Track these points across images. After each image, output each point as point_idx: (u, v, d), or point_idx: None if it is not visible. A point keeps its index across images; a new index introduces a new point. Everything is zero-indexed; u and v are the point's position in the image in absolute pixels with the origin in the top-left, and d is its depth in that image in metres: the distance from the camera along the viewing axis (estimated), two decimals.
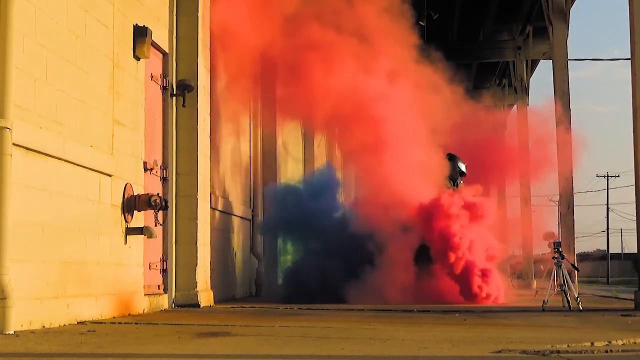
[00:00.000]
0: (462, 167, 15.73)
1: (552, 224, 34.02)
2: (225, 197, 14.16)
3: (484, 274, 13.34)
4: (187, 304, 10.48)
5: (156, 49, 10.23)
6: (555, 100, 18.08)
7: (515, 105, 27.20)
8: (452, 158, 15.60)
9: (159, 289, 10.14)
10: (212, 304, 11.10)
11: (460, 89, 15.35)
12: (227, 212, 14.12)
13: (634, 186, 11.32)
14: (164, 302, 10.18)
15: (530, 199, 24.58)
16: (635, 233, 11.62)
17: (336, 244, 13.75)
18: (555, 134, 17.93)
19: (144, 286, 9.50)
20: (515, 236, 26.61)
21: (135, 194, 9.16)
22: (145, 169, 9.74)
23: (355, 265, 13.28)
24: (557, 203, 19.94)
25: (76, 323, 7.54)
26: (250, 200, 16.15)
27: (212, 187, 11.79)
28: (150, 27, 9.46)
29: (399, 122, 14.33)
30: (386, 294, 12.87)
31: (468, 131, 18.66)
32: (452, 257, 13.24)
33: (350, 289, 12.99)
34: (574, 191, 17.76)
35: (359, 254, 13.38)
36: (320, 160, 21.85)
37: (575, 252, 17.62)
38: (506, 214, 28.45)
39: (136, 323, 7.80)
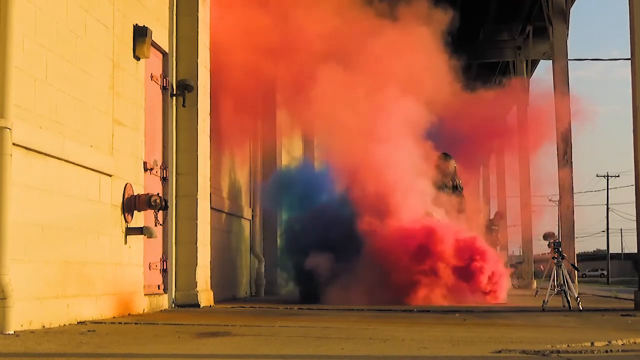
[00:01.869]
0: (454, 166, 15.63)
1: (552, 223, 34.17)
2: (226, 197, 14.17)
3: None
4: (187, 304, 10.47)
5: (156, 49, 10.23)
6: (555, 100, 18.07)
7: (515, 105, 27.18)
8: (447, 157, 15.54)
9: (159, 289, 10.14)
10: (212, 304, 11.10)
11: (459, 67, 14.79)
12: (227, 212, 14.12)
13: (634, 186, 11.31)
14: (164, 302, 10.17)
15: (530, 198, 24.58)
16: (635, 233, 11.61)
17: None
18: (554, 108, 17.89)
19: (144, 286, 9.50)
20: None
21: (135, 194, 9.16)
22: (145, 169, 9.73)
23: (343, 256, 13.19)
24: (557, 203, 19.95)
25: (76, 323, 7.54)
26: (251, 200, 16.16)
27: (212, 187, 11.79)
28: (150, 27, 9.46)
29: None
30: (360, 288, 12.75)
31: (469, 107, 18.62)
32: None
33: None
34: (574, 191, 17.77)
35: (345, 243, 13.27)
36: (320, 160, 21.83)
37: (575, 252, 17.60)
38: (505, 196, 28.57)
39: (136, 323, 7.80)
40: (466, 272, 13.17)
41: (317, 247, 13.19)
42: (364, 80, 13.63)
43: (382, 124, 13.59)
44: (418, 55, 13.72)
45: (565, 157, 17.45)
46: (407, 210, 13.37)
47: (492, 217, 25.63)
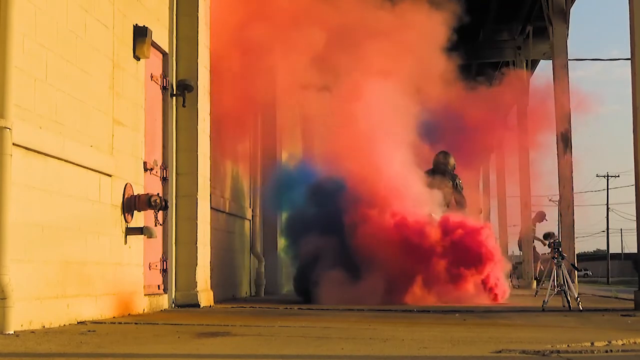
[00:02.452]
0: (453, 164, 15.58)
1: (552, 224, 34.15)
2: (226, 197, 14.16)
3: None
4: (187, 304, 10.48)
5: (156, 49, 10.23)
6: (555, 100, 18.07)
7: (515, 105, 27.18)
8: (445, 155, 15.50)
9: (159, 289, 10.14)
10: (212, 304, 11.11)
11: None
12: (227, 212, 14.12)
13: (634, 186, 11.30)
14: (164, 302, 10.18)
15: (530, 198, 24.58)
16: (635, 233, 11.61)
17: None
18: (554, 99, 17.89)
19: (144, 286, 9.50)
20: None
21: (135, 194, 9.16)
22: (145, 169, 9.74)
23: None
24: (557, 203, 19.94)
25: (76, 323, 7.54)
26: (251, 200, 16.17)
27: (212, 187, 11.80)
28: (150, 27, 9.46)
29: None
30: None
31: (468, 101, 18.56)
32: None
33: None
34: (574, 191, 17.75)
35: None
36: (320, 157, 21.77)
37: (575, 252, 17.58)
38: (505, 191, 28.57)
39: (136, 323, 7.81)
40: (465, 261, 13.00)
41: (315, 235, 13.17)
42: (357, 63, 13.52)
43: (369, 109, 13.43)
44: (416, 41, 13.60)
45: (565, 155, 17.45)
46: (396, 202, 13.24)
47: (532, 216, 25.53)
